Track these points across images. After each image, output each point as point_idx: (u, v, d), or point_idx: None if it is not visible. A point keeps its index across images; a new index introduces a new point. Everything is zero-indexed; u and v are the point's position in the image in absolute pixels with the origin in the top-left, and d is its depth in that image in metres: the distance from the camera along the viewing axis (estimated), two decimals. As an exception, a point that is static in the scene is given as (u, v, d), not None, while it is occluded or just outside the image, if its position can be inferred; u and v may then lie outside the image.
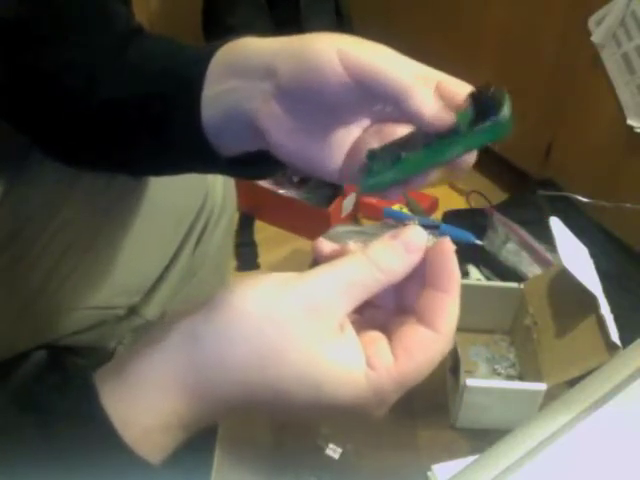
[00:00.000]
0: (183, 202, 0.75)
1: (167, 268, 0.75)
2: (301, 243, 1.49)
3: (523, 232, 1.27)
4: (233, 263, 1.42)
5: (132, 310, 0.75)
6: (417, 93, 0.40)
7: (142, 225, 0.70)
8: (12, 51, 0.51)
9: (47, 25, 0.51)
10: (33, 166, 0.64)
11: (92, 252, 0.68)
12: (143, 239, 0.71)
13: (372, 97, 0.42)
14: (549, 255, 1.21)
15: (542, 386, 0.66)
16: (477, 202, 1.58)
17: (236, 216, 0.82)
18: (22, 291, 0.66)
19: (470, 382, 0.66)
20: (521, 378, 0.75)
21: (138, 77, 0.50)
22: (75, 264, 0.68)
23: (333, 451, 0.66)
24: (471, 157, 0.42)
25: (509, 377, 0.75)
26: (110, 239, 0.69)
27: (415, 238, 0.39)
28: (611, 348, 0.61)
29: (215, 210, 0.79)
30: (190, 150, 0.49)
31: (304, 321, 0.36)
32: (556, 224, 0.70)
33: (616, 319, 0.63)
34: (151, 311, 0.75)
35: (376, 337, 0.39)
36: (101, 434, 0.35)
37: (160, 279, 0.75)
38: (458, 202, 1.59)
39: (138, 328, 0.74)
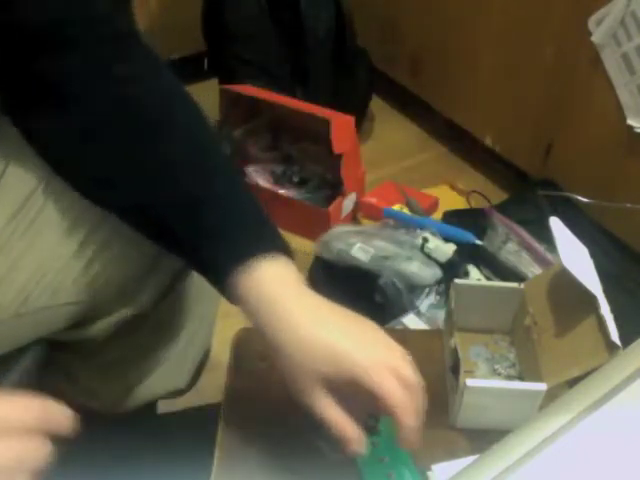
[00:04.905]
0: None
1: (157, 258, 0.73)
2: (301, 243, 1.49)
3: (523, 232, 1.27)
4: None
5: (123, 301, 0.73)
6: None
7: None
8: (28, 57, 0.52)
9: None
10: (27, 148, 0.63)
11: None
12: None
13: None
14: (549, 255, 1.21)
15: (542, 386, 0.66)
16: (477, 202, 1.58)
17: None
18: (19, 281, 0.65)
19: (470, 382, 0.66)
20: (521, 378, 0.75)
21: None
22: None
23: (333, 451, 0.66)
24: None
25: (509, 377, 0.75)
26: (99, 230, 0.67)
27: None
28: (611, 348, 0.61)
29: None
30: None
31: None
32: (556, 224, 0.70)
33: (616, 319, 0.63)
34: (144, 301, 0.73)
35: None
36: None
37: (151, 269, 0.73)
38: (458, 202, 1.59)
39: (132, 318, 0.73)
